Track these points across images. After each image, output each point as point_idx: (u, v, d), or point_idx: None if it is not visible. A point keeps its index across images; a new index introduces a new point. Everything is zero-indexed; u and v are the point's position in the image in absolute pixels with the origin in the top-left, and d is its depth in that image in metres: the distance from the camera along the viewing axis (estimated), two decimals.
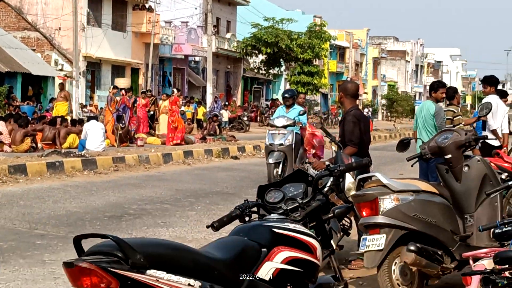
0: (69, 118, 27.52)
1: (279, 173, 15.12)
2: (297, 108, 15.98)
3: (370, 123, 10.40)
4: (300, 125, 15.74)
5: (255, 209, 4.62)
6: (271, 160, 15.29)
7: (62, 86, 31.00)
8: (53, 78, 37.31)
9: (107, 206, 12.34)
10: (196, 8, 52.16)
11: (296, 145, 15.63)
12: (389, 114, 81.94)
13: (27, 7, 40.16)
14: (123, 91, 27.96)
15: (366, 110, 61.50)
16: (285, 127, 15.60)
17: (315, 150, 15.40)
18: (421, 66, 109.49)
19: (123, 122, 26.09)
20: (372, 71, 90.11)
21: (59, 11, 38.68)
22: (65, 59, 38.96)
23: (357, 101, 9.53)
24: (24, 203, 12.27)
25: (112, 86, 29.84)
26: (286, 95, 16.42)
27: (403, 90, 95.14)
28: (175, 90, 30.13)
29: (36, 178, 15.40)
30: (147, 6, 44.51)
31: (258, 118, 48.94)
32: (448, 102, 13.09)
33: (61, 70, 38.49)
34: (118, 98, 26.84)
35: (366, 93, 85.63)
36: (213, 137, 30.15)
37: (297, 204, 4.66)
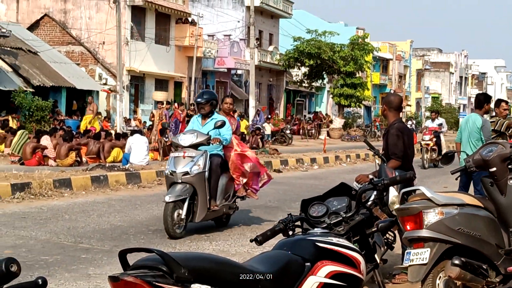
0: (113, 131, 27.77)
1: (183, 216, 10.76)
2: (217, 118, 11.53)
3: (414, 136, 10.30)
4: (217, 142, 11.36)
5: (298, 223, 4.61)
6: (168, 198, 10.70)
7: (91, 100, 31.06)
8: (97, 92, 37.73)
9: (151, 219, 12.40)
10: (238, 22, 52.42)
11: (213, 173, 11.25)
12: None
13: (71, 21, 40.71)
14: (175, 105, 28.30)
15: (409, 122, 61.00)
16: (194, 146, 11.14)
17: (247, 179, 11.80)
18: (465, 77, 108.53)
19: (166, 135, 26.24)
20: (415, 83, 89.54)
21: (103, 26, 39.12)
22: (109, 73, 39.39)
23: (401, 113, 9.12)
24: (69, 217, 12.39)
25: (165, 102, 29.94)
26: (200, 99, 11.66)
27: (447, 102, 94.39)
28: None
29: (81, 192, 15.54)
30: (190, 19, 44.82)
31: (301, 131, 48.87)
32: (492, 114, 12.97)
33: (105, 84, 38.91)
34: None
35: (409, 105, 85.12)
36: (256, 151, 30.16)
37: (341, 218, 4.65)
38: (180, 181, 10.86)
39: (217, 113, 11.99)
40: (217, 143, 11.34)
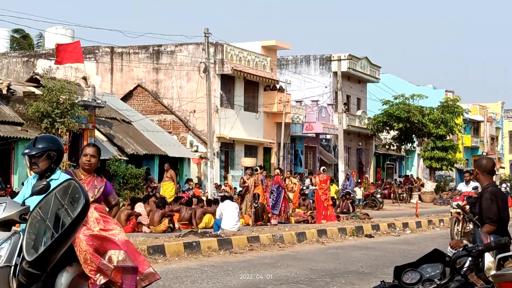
0: (204, 198, 28.11)
1: None
2: (59, 179, 7.04)
3: (508, 199, 10.15)
4: None
5: None
6: None
7: (168, 167, 31.17)
8: (189, 159, 38.35)
9: (243, 286, 12.44)
10: (326, 87, 52.75)
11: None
12: None
13: (163, 91, 41.74)
14: (277, 171, 28.66)
15: (504, 185, 59.59)
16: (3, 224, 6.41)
17: (111, 279, 7.71)
18: None
19: (256, 201, 26.39)
20: (508, 144, 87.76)
21: (193, 95, 39.97)
22: (200, 140, 40.06)
23: (494, 177, 9.02)
24: (163, 283, 12.54)
25: (258, 168, 30.16)
26: (28, 150, 7.40)
27: None
28: (322, 168, 30.44)
29: (174, 258, 15.72)
30: (278, 86, 45.34)
31: (392, 195, 48.37)
32: None
33: (196, 151, 39.55)
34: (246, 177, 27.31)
35: (503, 167, 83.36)
36: (347, 215, 30.05)
37: (435, 285, 4.63)
38: None
39: (63, 172, 7.72)
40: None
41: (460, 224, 20.52)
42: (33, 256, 3.61)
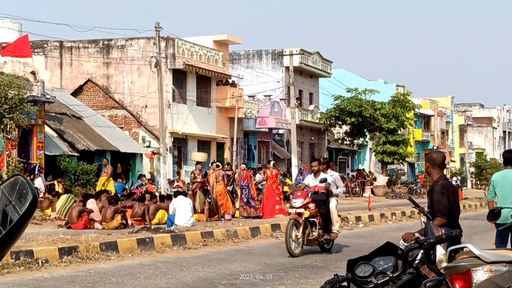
0: (157, 193, 27.97)
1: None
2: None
3: (459, 192, 10.29)
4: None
5: (345, 283, 4.61)
6: None
7: (106, 162, 30.67)
8: (141, 155, 38.13)
9: (197, 281, 12.41)
10: (278, 82, 52.87)
11: None
12: (478, 182, 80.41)
13: (114, 86, 41.38)
14: (243, 166, 28.74)
15: (454, 178, 60.54)
16: None
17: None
18: (509, 132, 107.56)
19: (209, 196, 26.34)
20: (458, 138, 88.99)
21: (145, 89, 39.70)
22: (152, 136, 39.83)
23: (445, 170, 9.05)
24: (116, 280, 12.45)
25: (214, 163, 30.12)
26: None
27: (492, 157, 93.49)
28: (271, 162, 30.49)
29: (127, 255, 15.62)
30: (230, 81, 45.29)
31: (345, 189, 48.66)
32: None
33: (149, 146, 39.33)
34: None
35: (453, 161, 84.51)
36: None
37: (388, 278, 4.64)
38: None
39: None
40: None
41: (301, 229, 16.18)
42: None
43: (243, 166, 29.23)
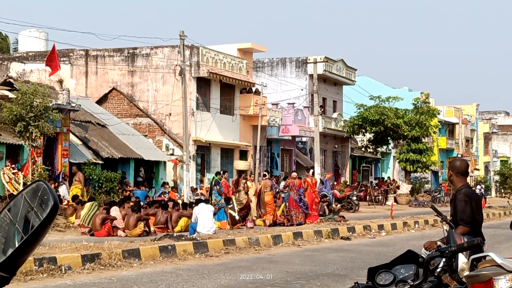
0: (180, 201, 28.04)
1: None
2: None
3: (482, 200, 10.25)
4: None
5: None
6: None
7: (76, 170, 30.23)
8: (165, 162, 38.22)
9: None
10: (302, 90, 52.84)
11: None
12: (502, 190, 79.78)
13: (138, 94, 41.56)
14: (294, 174, 29.17)
15: (478, 187, 60.10)
16: None
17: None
18: None
19: (231, 204, 26.36)
20: (483, 146, 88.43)
21: (169, 98, 39.83)
22: (176, 144, 39.93)
23: (468, 178, 9.01)
24: (138, 287, 12.49)
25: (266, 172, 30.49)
26: None
27: None
28: (311, 171, 30.97)
29: (149, 262, 15.67)
30: (254, 89, 45.32)
31: (368, 197, 48.53)
32: None
33: (172, 154, 39.42)
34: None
35: (477, 169, 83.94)
36: (323, 218, 30.06)
37: (408, 286, 4.63)
38: None
39: None
40: None
41: None
42: (1, 259, 3.60)
43: (295, 174, 29.50)
